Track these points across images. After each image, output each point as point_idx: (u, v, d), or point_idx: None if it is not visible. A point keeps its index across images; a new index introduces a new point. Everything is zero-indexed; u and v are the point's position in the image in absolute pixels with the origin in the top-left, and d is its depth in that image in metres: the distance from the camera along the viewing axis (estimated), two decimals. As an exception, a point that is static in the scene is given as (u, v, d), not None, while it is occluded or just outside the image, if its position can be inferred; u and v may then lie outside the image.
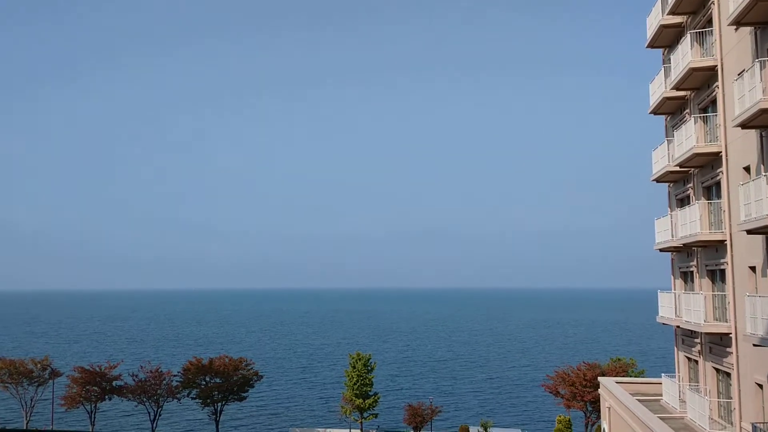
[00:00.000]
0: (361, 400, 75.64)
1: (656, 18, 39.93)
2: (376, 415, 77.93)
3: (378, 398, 78.04)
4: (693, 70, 33.69)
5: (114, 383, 75.67)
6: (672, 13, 37.41)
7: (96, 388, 74.31)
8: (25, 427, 78.12)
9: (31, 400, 77.95)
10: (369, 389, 76.75)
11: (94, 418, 75.51)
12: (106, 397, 75.18)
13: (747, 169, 29.87)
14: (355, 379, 76.38)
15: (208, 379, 75.81)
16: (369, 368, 77.70)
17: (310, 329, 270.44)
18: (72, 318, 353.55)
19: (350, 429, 78.07)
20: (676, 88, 36.57)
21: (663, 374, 43.19)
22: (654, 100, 40.92)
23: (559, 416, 72.96)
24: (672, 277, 42.60)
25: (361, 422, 76.31)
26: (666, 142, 39.39)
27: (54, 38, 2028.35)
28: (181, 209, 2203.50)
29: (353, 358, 78.45)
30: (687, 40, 34.56)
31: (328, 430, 79.84)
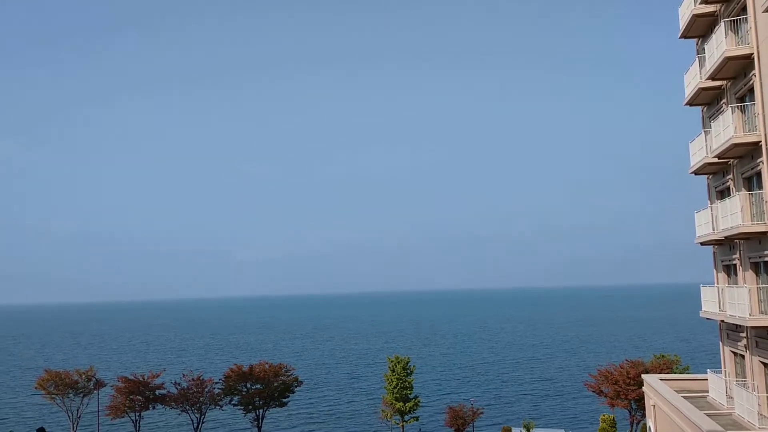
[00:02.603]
0: (401, 404, 75.46)
1: (688, 8, 39.27)
2: (417, 419, 77.66)
3: (418, 401, 77.74)
4: (728, 59, 33.08)
5: (157, 392, 76.66)
6: (704, 2, 36.79)
7: (140, 397, 75.37)
8: (72, 438, 79.44)
9: (78, 410, 79.18)
10: (409, 392, 76.52)
11: (139, 427, 76.43)
12: (150, 405, 76.17)
13: (788, 157, 29.13)
14: (394, 382, 76.22)
15: (249, 385, 76.37)
16: (408, 371, 77.45)
17: (353, 334, 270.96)
18: (116, 329, 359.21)
19: (392, 433, 77.98)
20: (712, 78, 35.92)
21: (708, 370, 42.39)
22: (689, 91, 40.14)
23: (603, 415, 71.93)
24: (714, 270, 41.71)
25: (402, 425, 76.11)
26: (703, 133, 38.64)
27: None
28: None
29: (392, 361, 78.26)
30: (721, 28, 33.89)
31: None
